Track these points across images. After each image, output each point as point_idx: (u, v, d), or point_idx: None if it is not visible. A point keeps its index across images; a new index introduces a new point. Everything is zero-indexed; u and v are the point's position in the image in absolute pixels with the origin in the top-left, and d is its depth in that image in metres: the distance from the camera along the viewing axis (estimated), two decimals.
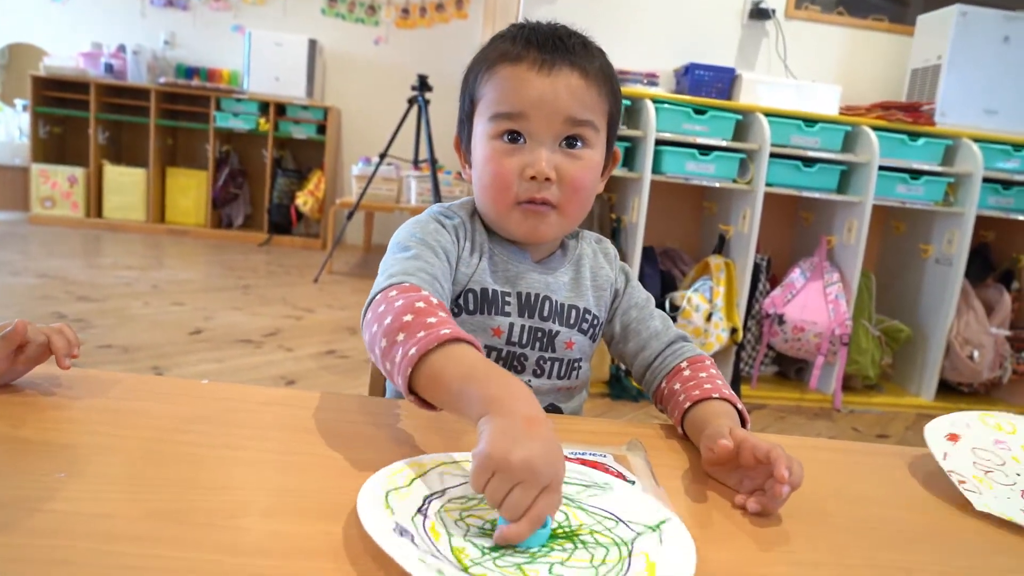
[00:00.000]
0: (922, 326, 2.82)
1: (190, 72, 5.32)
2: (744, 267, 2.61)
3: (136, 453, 0.58)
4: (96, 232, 4.95)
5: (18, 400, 0.66)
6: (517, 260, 0.83)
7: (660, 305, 2.62)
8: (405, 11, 5.48)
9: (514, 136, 0.77)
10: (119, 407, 0.68)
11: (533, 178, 0.76)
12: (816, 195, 2.64)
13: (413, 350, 0.58)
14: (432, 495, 0.53)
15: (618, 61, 2.81)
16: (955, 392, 2.87)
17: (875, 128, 2.61)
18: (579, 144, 0.77)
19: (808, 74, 2.97)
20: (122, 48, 5.16)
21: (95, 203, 5.14)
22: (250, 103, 5.11)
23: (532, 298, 0.82)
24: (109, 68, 5.07)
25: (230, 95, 5.11)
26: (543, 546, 0.49)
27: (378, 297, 0.67)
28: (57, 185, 5.04)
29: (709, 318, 2.55)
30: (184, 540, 0.45)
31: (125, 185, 5.14)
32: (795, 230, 3.03)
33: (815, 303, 2.62)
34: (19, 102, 5.25)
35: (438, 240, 0.78)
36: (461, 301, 0.80)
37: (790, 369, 2.92)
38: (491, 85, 0.78)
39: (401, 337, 0.60)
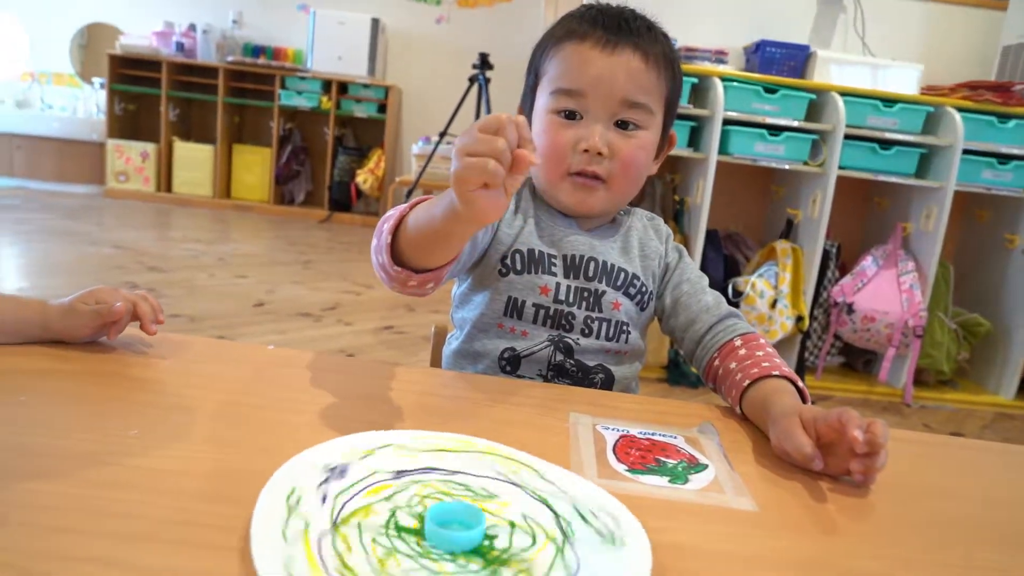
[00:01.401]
0: (1004, 321, 2.66)
1: (257, 51, 5.42)
2: (813, 253, 2.51)
3: (206, 414, 0.58)
4: (166, 206, 5.12)
5: (97, 358, 0.68)
6: (564, 226, 0.86)
7: (723, 289, 2.55)
8: None
9: (571, 114, 0.80)
10: (191, 369, 0.68)
11: (586, 151, 0.79)
12: (892, 179, 2.51)
13: (387, 224, 0.66)
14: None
15: (685, 38, 2.73)
16: None
17: (960, 109, 2.46)
18: (631, 127, 0.80)
19: (888, 52, 2.82)
20: (192, 27, 5.29)
21: (165, 178, 5.31)
22: (313, 81, 5.18)
23: (578, 259, 0.84)
24: (180, 47, 5.21)
25: (294, 73, 5.19)
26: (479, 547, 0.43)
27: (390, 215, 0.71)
28: (131, 160, 5.23)
29: (774, 305, 2.47)
30: (251, 499, 0.44)
31: (194, 161, 5.30)
32: (868, 216, 2.90)
33: (888, 292, 2.51)
34: (96, 80, 5.45)
35: None
36: (508, 261, 0.83)
37: (858, 360, 2.81)
38: (555, 61, 0.81)
39: (385, 226, 0.68)
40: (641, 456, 0.60)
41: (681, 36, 2.69)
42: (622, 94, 0.78)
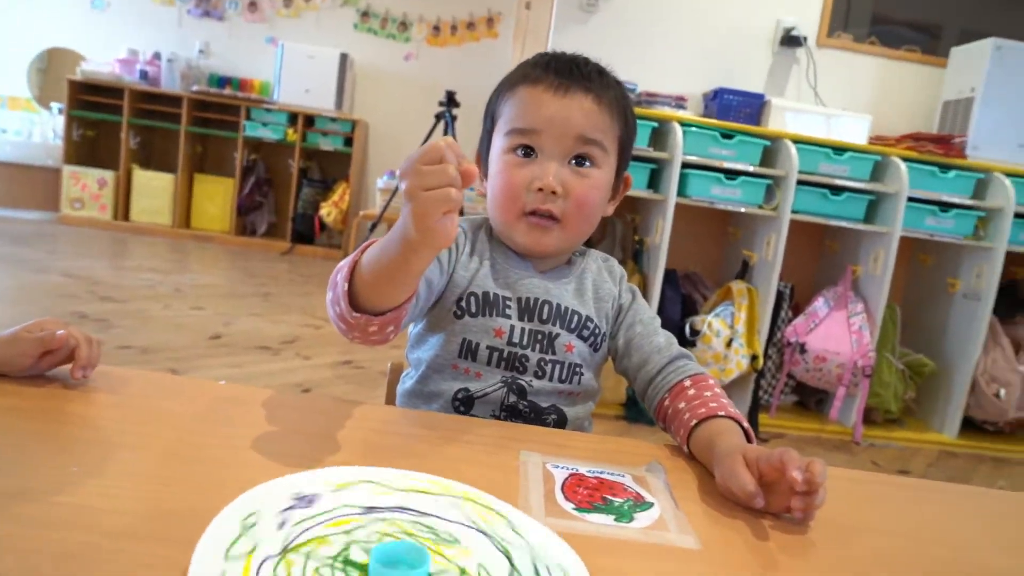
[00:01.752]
0: (947, 361, 2.76)
1: (222, 81, 5.41)
2: (767, 294, 2.58)
3: (149, 451, 0.57)
4: (122, 235, 5.02)
5: (36, 393, 0.66)
6: (520, 268, 0.87)
7: (680, 328, 2.58)
8: (436, 28, 5.54)
9: (527, 151, 0.82)
10: (136, 404, 0.67)
11: (540, 190, 0.80)
12: (843, 224, 2.61)
13: (341, 274, 0.67)
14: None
15: (647, 83, 2.81)
16: (979, 430, 2.80)
17: (905, 159, 2.57)
18: (587, 163, 0.82)
19: (838, 103, 2.94)
20: (157, 55, 5.26)
21: (123, 206, 5.22)
22: (279, 113, 5.17)
23: (532, 302, 0.85)
24: (144, 75, 5.17)
25: (260, 105, 5.18)
26: None
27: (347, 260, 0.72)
28: (87, 187, 5.13)
29: (729, 344, 2.52)
30: (191, 540, 0.43)
31: (153, 189, 5.22)
32: (820, 259, 3.00)
33: (838, 333, 2.58)
34: (55, 105, 5.37)
35: None
36: (463, 303, 0.84)
37: (810, 399, 2.87)
38: (510, 104, 0.84)
39: (339, 276, 0.68)
40: (588, 495, 0.61)
41: (643, 82, 2.78)
42: (577, 130, 0.80)
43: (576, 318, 0.86)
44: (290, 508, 0.47)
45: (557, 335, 0.85)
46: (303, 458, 0.59)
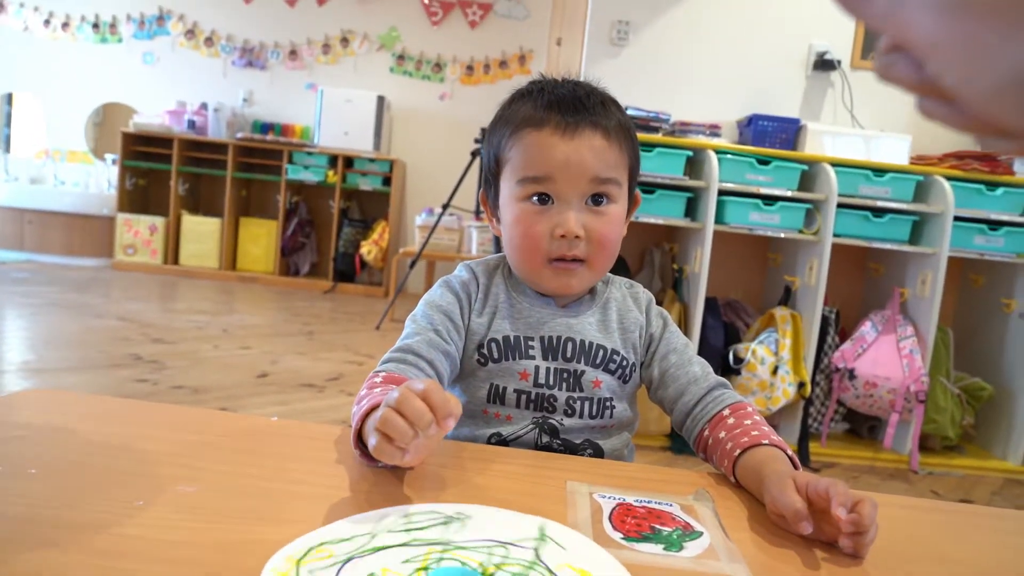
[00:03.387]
0: (1006, 385, 2.66)
1: (265, 127, 5.60)
2: (811, 319, 2.53)
3: (206, 484, 0.59)
4: (172, 278, 5.18)
5: (101, 429, 0.69)
6: (540, 307, 0.86)
7: (724, 356, 2.55)
8: (470, 68, 5.66)
9: (543, 198, 0.80)
10: (190, 440, 0.70)
11: (563, 236, 0.79)
12: (887, 246, 2.56)
13: (365, 406, 0.64)
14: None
15: (680, 113, 2.82)
16: None
17: (949, 178, 2.52)
18: (604, 201, 0.81)
19: (876, 124, 2.91)
20: (204, 105, 5.49)
21: (172, 251, 5.41)
22: (320, 156, 5.33)
23: (555, 340, 0.84)
24: (192, 124, 5.40)
25: (302, 149, 5.34)
26: None
27: (369, 378, 0.74)
28: (139, 233, 5.33)
29: (775, 371, 2.47)
30: (248, 570, 0.45)
31: (201, 234, 5.40)
32: (865, 282, 2.94)
33: (888, 358, 2.51)
34: (109, 156, 5.62)
35: (440, 305, 0.84)
36: (485, 351, 0.84)
37: (862, 427, 2.79)
38: (517, 150, 0.81)
39: (364, 402, 0.66)
40: (637, 524, 0.61)
41: (676, 111, 2.79)
42: (591, 174, 0.79)
43: (601, 353, 0.85)
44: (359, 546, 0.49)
45: (583, 372, 0.84)
46: (354, 491, 0.61)
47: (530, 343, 0.84)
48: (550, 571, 0.49)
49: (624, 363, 0.86)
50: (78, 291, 4.33)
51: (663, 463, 2.37)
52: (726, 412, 0.80)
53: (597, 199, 0.81)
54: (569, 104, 0.80)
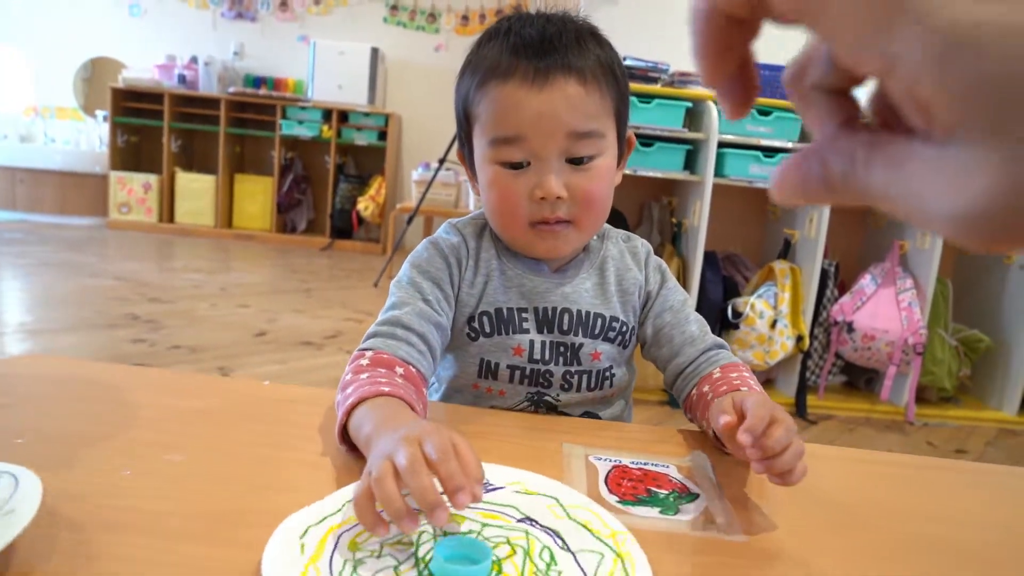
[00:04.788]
0: (1004, 336, 2.66)
1: (258, 81, 5.49)
2: (811, 273, 2.52)
3: (198, 452, 0.59)
4: (168, 236, 5.15)
5: (90, 396, 0.68)
6: (532, 272, 0.79)
7: (722, 311, 2.54)
8: (465, 18, 5.53)
9: (517, 163, 0.72)
10: (182, 406, 0.69)
11: (543, 199, 0.71)
12: None
13: (351, 399, 0.59)
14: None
15: (679, 63, 2.75)
16: None
17: None
18: (586, 159, 0.72)
19: None
20: (194, 59, 5.37)
21: (167, 209, 5.36)
22: (314, 111, 5.23)
23: (550, 312, 0.78)
24: (182, 79, 5.28)
25: (295, 103, 5.25)
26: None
27: (355, 358, 0.67)
28: (133, 192, 5.28)
29: (774, 325, 2.47)
30: (250, 542, 0.44)
31: (196, 191, 5.34)
32: (865, 234, 2.91)
33: (887, 310, 2.51)
34: (99, 113, 5.52)
35: (428, 272, 0.77)
36: (476, 324, 0.78)
37: (859, 379, 2.80)
38: (484, 105, 0.72)
39: (349, 391, 0.61)
40: (633, 487, 0.61)
41: (675, 61, 2.73)
42: (566, 129, 0.70)
43: (600, 322, 0.79)
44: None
45: (581, 345, 0.78)
46: (347, 457, 0.60)
47: (523, 315, 0.78)
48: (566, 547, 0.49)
49: (624, 328, 0.81)
50: (73, 251, 4.30)
51: (660, 418, 2.39)
52: (716, 372, 0.75)
53: (578, 159, 0.71)
54: (537, 46, 0.69)
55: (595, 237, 0.83)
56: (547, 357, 0.78)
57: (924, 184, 0.19)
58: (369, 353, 0.67)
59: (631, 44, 2.73)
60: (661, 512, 0.57)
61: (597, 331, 0.79)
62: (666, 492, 0.60)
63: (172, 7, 5.52)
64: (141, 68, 5.35)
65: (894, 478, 0.70)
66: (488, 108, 0.72)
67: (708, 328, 0.82)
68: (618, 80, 0.74)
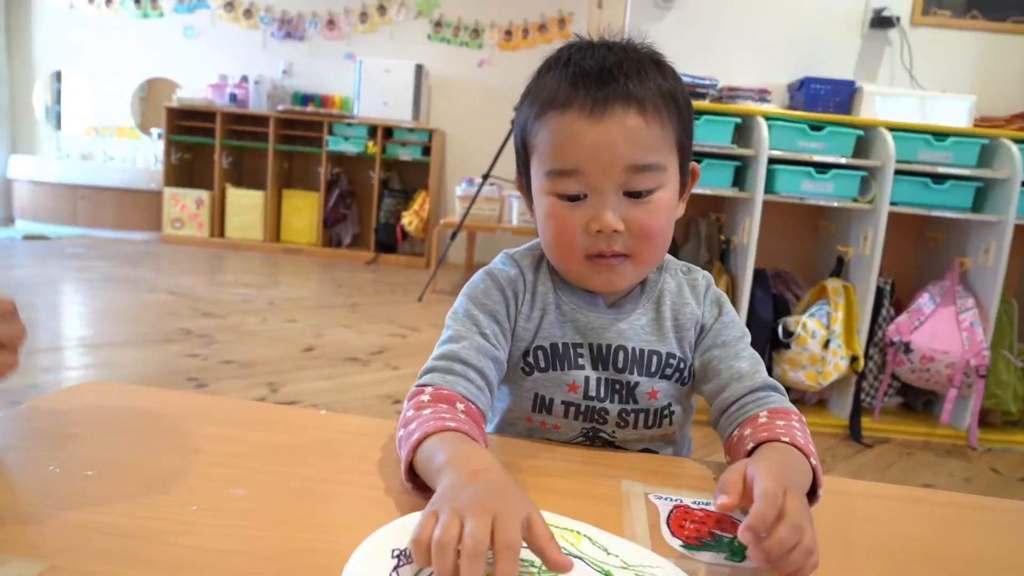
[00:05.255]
0: None
1: (305, 99, 5.62)
2: (865, 291, 2.45)
3: (261, 488, 0.59)
4: (218, 251, 5.28)
5: (154, 427, 0.70)
6: (588, 307, 0.77)
7: (773, 330, 2.48)
8: (508, 33, 5.56)
9: (573, 195, 0.70)
10: (242, 438, 0.69)
11: (599, 232, 0.69)
12: (947, 214, 2.45)
13: (416, 434, 0.59)
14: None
15: (728, 78, 2.72)
16: None
17: (1017, 140, 2.39)
18: (644, 192, 0.70)
19: (937, 85, 2.77)
20: (245, 78, 5.52)
21: (218, 224, 5.50)
22: (360, 127, 5.33)
23: (604, 349, 0.76)
24: (233, 98, 5.44)
25: (341, 120, 5.35)
26: None
27: (414, 394, 0.67)
28: (185, 207, 5.44)
29: (827, 345, 2.41)
30: None
31: (245, 207, 5.48)
32: (922, 251, 2.82)
33: (946, 331, 2.42)
34: (154, 131, 5.72)
35: (486, 304, 0.76)
36: (531, 359, 0.77)
37: (917, 401, 2.70)
38: (542, 136, 0.71)
39: (413, 426, 0.61)
40: (696, 529, 0.59)
41: (723, 76, 2.69)
42: (624, 162, 0.68)
43: (655, 360, 0.77)
44: (396, 568, 0.47)
45: (636, 384, 0.76)
46: (404, 492, 0.60)
47: (579, 351, 0.76)
48: None
49: (682, 365, 0.78)
50: (130, 265, 4.45)
51: (713, 438, 2.33)
52: (763, 415, 0.69)
53: (636, 193, 0.69)
54: (596, 76, 0.68)
55: (653, 270, 0.80)
56: (602, 394, 0.77)
57: None
58: (429, 389, 0.66)
59: (679, 59, 2.69)
60: (727, 558, 0.55)
61: (653, 369, 0.77)
62: (731, 536, 0.58)
63: (224, 28, 5.69)
64: (194, 88, 5.53)
65: (957, 521, 0.66)
66: (545, 139, 0.71)
67: (763, 368, 0.77)
68: (681, 110, 0.72)
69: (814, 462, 0.61)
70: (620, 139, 0.67)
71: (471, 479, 0.50)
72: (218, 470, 0.62)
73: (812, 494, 0.61)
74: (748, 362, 0.76)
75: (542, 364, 0.77)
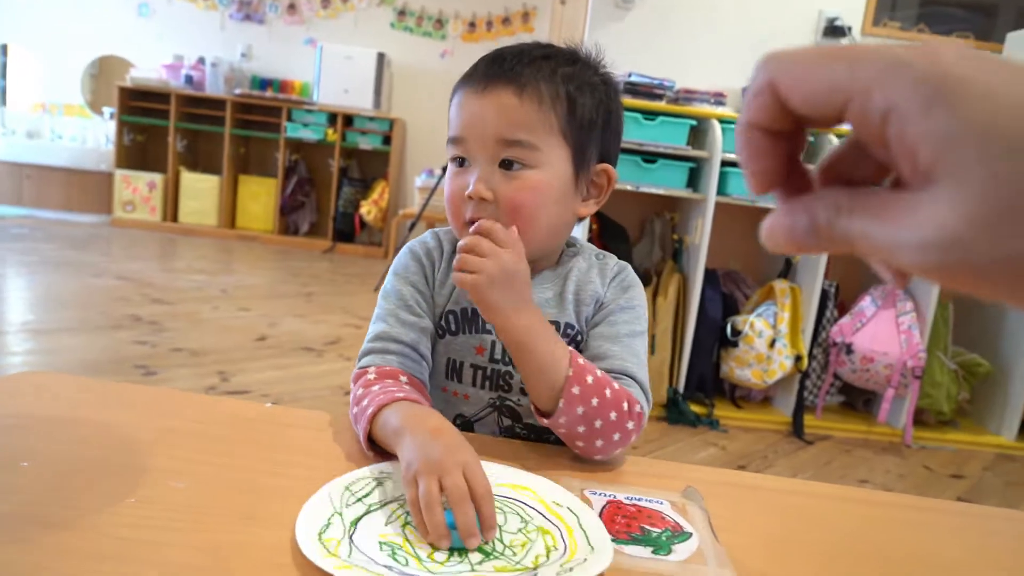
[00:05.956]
0: (1004, 361, 2.66)
1: (264, 84, 5.51)
2: (811, 293, 2.53)
3: (202, 479, 0.59)
4: (171, 236, 5.16)
5: (95, 418, 0.69)
6: None
7: (721, 329, 2.53)
8: (472, 25, 5.55)
9: (461, 160, 0.78)
10: (184, 429, 0.70)
11: (471, 197, 0.75)
12: None
13: (370, 408, 0.67)
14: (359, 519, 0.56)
15: (685, 80, 2.76)
16: None
17: None
18: (516, 166, 0.75)
19: None
20: (202, 60, 5.39)
21: (171, 208, 5.38)
22: (319, 114, 5.26)
23: None
24: (189, 79, 5.31)
25: (301, 106, 5.27)
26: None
27: (359, 375, 0.74)
28: (137, 190, 5.29)
29: (772, 344, 2.48)
30: (236, 573, 0.45)
31: (200, 191, 5.36)
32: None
33: (886, 333, 2.52)
34: (106, 110, 5.55)
35: (407, 277, 0.82)
36: (443, 322, 0.82)
37: (858, 400, 2.81)
38: (451, 109, 0.80)
39: (365, 402, 0.68)
40: (626, 524, 0.62)
41: (680, 78, 2.74)
42: (494, 133, 0.74)
43: (553, 327, 0.78)
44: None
45: None
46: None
47: None
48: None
49: (579, 337, 0.81)
50: (77, 248, 4.32)
51: (657, 433, 2.39)
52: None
53: (508, 163, 0.74)
54: (494, 60, 0.76)
55: (568, 254, 0.85)
56: (507, 359, 0.80)
57: (900, 225, 0.22)
58: (372, 368, 0.74)
59: (637, 60, 2.75)
60: (653, 552, 0.58)
61: None
62: (659, 531, 0.61)
63: (180, 8, 5.54)
64: (148, 68, 5.38)
65: (889, 521, 0.70)
66: (451, 112, 0.79)
67: (638, 365, 0.78)
68: (574, 108, 0.76)
69: (569, 371, 0.70)
70: (492, 113, 0.74)
71: (434, 436, 0.60)
72: (159, 461, 0.62)
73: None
74: (621, 349, 0.78)
75: (453, 327, 0.82)
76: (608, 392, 0.71)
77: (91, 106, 5.70)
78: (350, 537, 0.53)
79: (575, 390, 0.70)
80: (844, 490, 0.78)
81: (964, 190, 0.20)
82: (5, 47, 5.69)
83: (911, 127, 0.21)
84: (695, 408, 2.53)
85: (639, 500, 0.66)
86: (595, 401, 0.70)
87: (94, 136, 5.65)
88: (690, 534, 0.61)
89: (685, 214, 2.69)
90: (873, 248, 0.23)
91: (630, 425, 0.72)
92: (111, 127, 5.40)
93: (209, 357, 2.57)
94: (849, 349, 2.55)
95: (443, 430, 0.62)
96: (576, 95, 0.76)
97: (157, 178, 5.30)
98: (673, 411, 2.53)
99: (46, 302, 3.15)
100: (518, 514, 0.60)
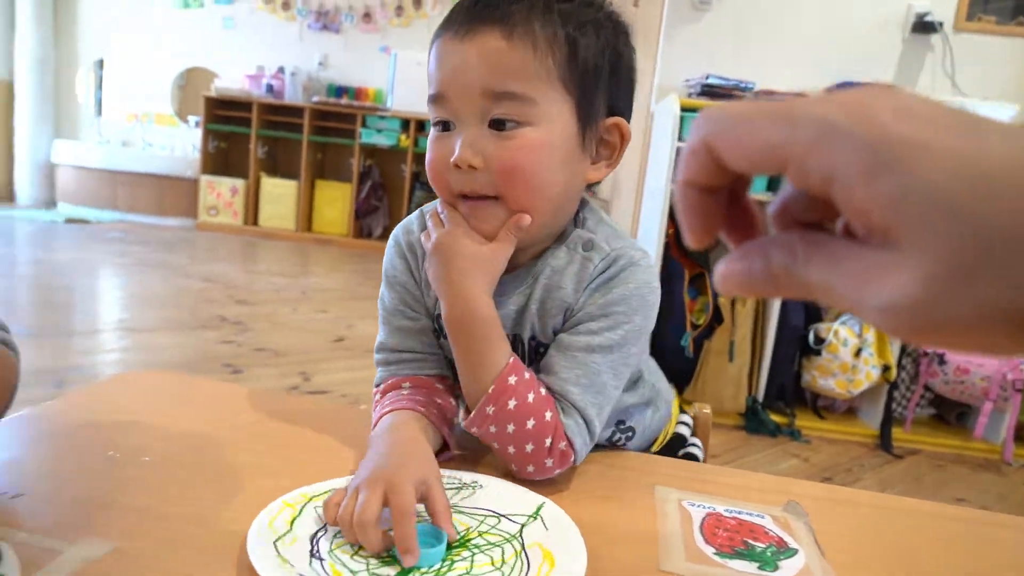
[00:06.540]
0: None
1: (340, 91, 5.67)
2: None
3: (298, 476, 0.61)
4: (252, 239, 5.37)
5: (193, 416, 0.72)
6: None
7: (804, 337, 2.45)
8: None
9: (445, 124, 0.64)
10: (277, 429, 0.72)
11: (458, 166, 0.62)
12: None
13: (372, 431, 0.66)
14: (317, 533, 0.52)
15: (765, 81, 2.69)
16: None
17: None
18: (509, 124, 0.61)
19: (979, 92, 2.71)
20: (281, 70, 5.59)
21: (252, 212, 5.59)
22: (393, 120, 5.37)
23: None
24: (270, 88, 5.51)
25: (375, 112, 5.39)
26: (444, 561, 0.50)
27: (374, 393, 0.73)
28: (221, 195, 5.53)
29: (858, 354, 2.38)
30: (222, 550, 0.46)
31: (279, 196, 5.55)
32: None
33: None
34: (192, 119, 5.82)
35: (395, 277, 0.73)
36: (438, 325, 0.72)
37: (950, 413, 2.66)
38: (429, 63, 0.66)
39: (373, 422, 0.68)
40: (729, 538, 0.60)
41: (760, 79, 2.67)
42: (480, 85, 0.60)
43: (519, 347, 0.70)
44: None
45: None
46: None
47: None
48: (522, 547, 0.53)
49: (540, 349, 0.70)
50: (167, 251, 4.54)
51: (735, 443, 2.33)
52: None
53: (499, 122, 0.61)
54: (483, 1, 0.62)
55: (552, 245, 0.69)
56: None
57: (860, 285, 0.22)
58: (380, 387, 0.72)
59: (715, 62, 2.70)
60: (760, 568, 0.56)
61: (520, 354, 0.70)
62: (764, 546, 0.59)
63: (262, 20, 5.76)
64: (231, 78, 5.62)
65: (1016, 544, 0.66)
66: (429, 65, 0.66)
67: (583, 384, 0.65)
68: (575, 51, 0.63)
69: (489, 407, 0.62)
70: (476, 60, 0.61)
71: (375, 456, 0.57)
72: (263, 460, 0.64)
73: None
74: (570, 366, 0.65)
75: (444, 333, 0.69)
76: (531, 423, 0.61)
77: (179, 115, 5.99)
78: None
79: (489, 409, 0.62)
80: (957, 510, 0.74)
81: (920, 254, 0.20)
82: (101, 62, 6.05)
83: (857, 192, 0.21)
84: (775, 417, 2.45)
85: (739, 513, 0.64)
86: (511, 427, 0.61)
87: (182, 144, 5.94)
88: (795, 550, 0.59)
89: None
90: (834, 302, 0.23)
91: (548, 463, 0.62)
92: (197, 135, 5.67)
93: (291, 357, 2.66)
94: (942, 359, 2.42)
95: (393, 443, 0.59)
96: (577, 36, 0.62)
97: (239, 183, 5.52)
98: (752, 420, 2.46)
99: (139, 302, 3.33)
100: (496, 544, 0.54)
